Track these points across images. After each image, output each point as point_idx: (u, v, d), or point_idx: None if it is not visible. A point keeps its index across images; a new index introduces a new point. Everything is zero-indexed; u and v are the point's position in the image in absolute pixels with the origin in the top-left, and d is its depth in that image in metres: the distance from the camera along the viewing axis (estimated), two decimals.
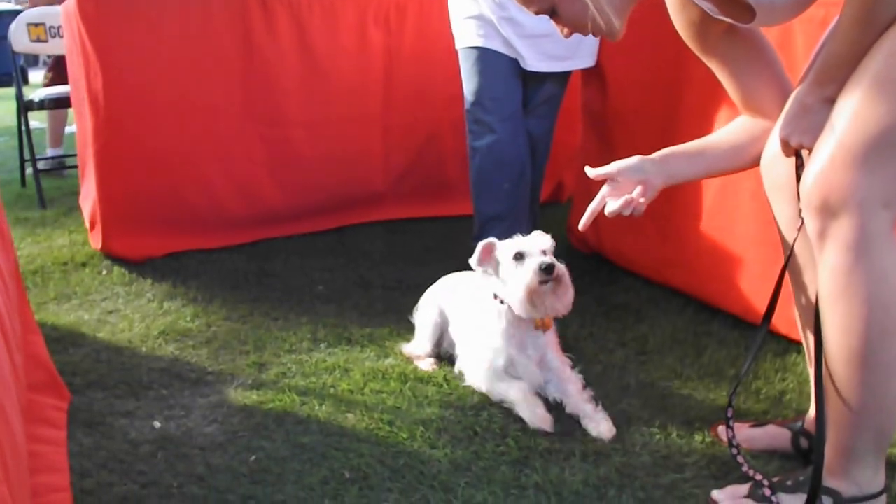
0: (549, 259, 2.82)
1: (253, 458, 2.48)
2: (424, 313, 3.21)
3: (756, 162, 2.43)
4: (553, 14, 2.28)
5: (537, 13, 2.30)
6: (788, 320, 3.17)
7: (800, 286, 2.39)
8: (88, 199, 4.25)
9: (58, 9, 4.84)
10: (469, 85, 3.83)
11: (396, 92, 4.76)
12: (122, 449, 2.53)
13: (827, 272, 2.03)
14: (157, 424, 2.67)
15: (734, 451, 2.43)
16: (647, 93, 3.82)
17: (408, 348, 3.20)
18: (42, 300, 3.71)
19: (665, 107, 3.70)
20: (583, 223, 2.53)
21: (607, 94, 4.03)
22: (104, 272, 4.02)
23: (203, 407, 2.79)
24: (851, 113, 1.97)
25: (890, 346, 2.02)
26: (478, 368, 2.93)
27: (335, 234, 4.63)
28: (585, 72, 4.08)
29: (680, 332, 3.39)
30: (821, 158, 2.00)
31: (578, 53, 3.93)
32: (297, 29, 4.39)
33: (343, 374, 3.02)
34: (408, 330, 3.29)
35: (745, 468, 2.41)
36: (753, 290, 3.37)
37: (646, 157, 2.52)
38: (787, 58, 3.11)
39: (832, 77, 2.08)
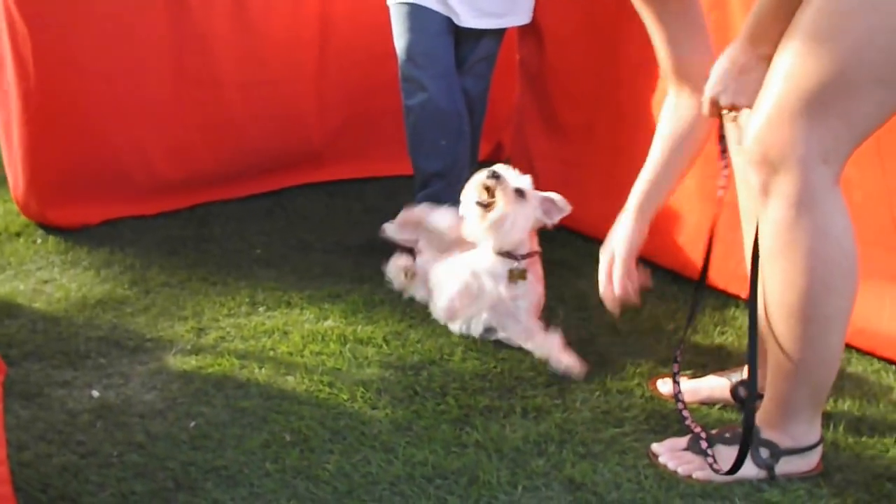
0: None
1: (193, 423, 2.48)
2: None
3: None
4: None
5: None
6: (727, 274, 3.21)
7: (748, 233, 2.41)
8: (15, 168, 4.16)
9: None
10: (400, 42, 3.80)
11: (330, 50, 4.70)
12: (61, 419, 2.50)
13: (769, 227, 2.06)
14: (95, 394, 2.64)
15: (680, 405, 2.47)
16: (584, 49, 3.83)
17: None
18: None
19: (603, 63, 3.71)
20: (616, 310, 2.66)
21: (544, 52, 4.03)
22: (39, 241, 3.95)
23: (142, 374, 2.77)
24: (786, 70, 1.99)
25: (829, 300, 2.06)
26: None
27: (273, 196, 4.59)
28: (521, 29, 4.07)
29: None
30: (760, 115, 2.03)
31: (514, 10, 3.91)
32: None
33: (282, 336, 3.01)
34: (347, 291, 3.29)
35: (688, 422, 2.44)
36: (691, 245, 3.40)
37: (633, 234, 2.67)
38: (722, 16, 3.14)
39: (764, 34, 2.10)
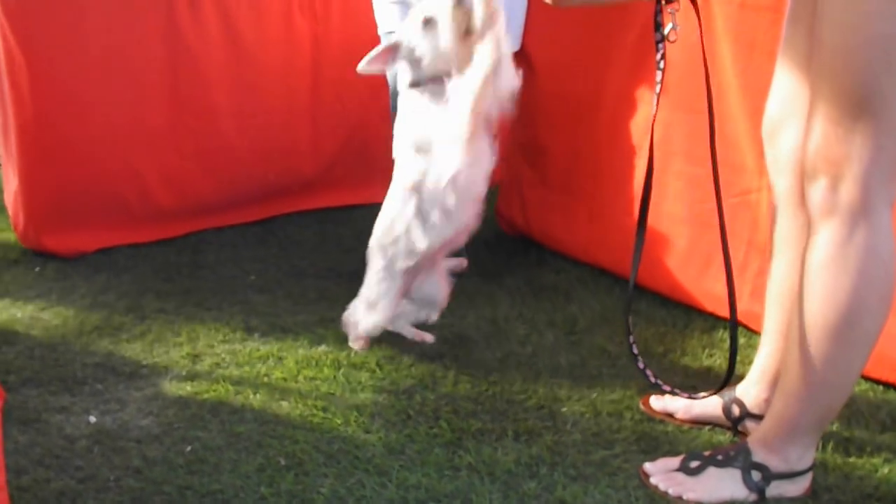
0: None
1: (189, 448, 2.50)
2: None
3: None
4: None
5: None
6: (715, 297, 3.25)
7: (779, 260, 2.43)
8: (13, 196, 4.20)
9: None
10: (391, 72, 3.84)
11: (324, 79, 4.76)
12: (58, 445, 2.53)
13: (820, 242, 2.07)
14: (92, 419, 2.67)
15: (641, 365, 2.52)
16: (570, 77, 3.87)
17: None
18: None
19: (588, 91, 3.75)
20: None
21: (532, 79, 4.06)
22: (36, 269, 3.99)
23: (138, 400, 2.79)
24: (826, 89, 2.01)
25: (865, 321, 2.06)
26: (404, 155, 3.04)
27: (266, 224, 4.63)
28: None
29: (609, 311, 3.45)
30: (816, 133, 2.04)
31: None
32: (223, 19, 4.37)
33: (277, 362, 3.04)
34: (340, 316, 3.32)
35: (652, 379, 2.50)
36: (680, 270, 3.45)
37: None
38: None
39: None
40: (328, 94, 4.78)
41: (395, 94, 3.78)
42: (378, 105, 4.35)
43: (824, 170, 2.03)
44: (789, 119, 2.29)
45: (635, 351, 2.63)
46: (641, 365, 2.63)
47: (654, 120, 2.54)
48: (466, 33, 2.76)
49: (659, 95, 2.51)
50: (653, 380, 2.64)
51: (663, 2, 2.32)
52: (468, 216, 2.99)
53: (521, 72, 2.88)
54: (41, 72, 3.92)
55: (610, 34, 3.13)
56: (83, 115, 4.08)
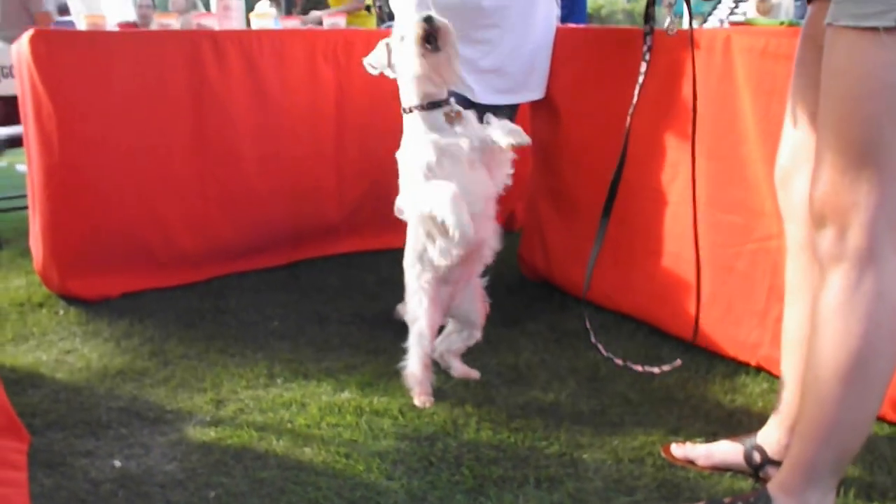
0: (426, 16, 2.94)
1: (213, 494, 2.51)
2: None
3: None
4: None
5: None
6: (737, 342, 3.25)
7: (794, 307, 2.44)
8: (39, 240, 4.25)
9: (9, 48, 4.85)
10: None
11: (348, 125, 4.81)
12: (83, 489, 2.55)
13: (829, 288, 2.09)
14: (117, 463, 2.69)
15: (593, 339, 2.57)
16: (594, 124, 3.90)
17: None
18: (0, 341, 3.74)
19: (613, 138, 3.77)
20: None
21: (556, 126, 4.10)
22: (61, 312, 4.03)
23: (162, 445, 2.81)
24: (833, 137, 2.03)
25: (877, 363, 2.07)
26: (407, 181, 3.13)
27: (289, 269, 4.66)
28: (534, 104, 4.15)
29: (631, 356, 3.44)
30: (822, 180, 2.06)
31: (528, 86, 3.99)
32: (247, 66, 4.44)
33: (300, 408, 3.05)
34: (363, 363, 3.33)
35: (604, 353, 2.54)
36: (702, 314, 3.44)
37: None
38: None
39: None
40: (352, 141, 4.83)
41: None
42: None
43: (832, 217, 2.05)
44: (800, 167, 2.30)
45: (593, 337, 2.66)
46: (594, 340, 2.65)
47: (632, 110, 2.56)
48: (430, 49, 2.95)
49: (642, 87, 2.54)
50: (605, 353, 2.67)
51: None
52: (477, 233, 2.98)
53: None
54: (69, 119, 3.99)
55: (631, 82, 3.15)
56: (109, 161, 4.14)
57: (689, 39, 2.60)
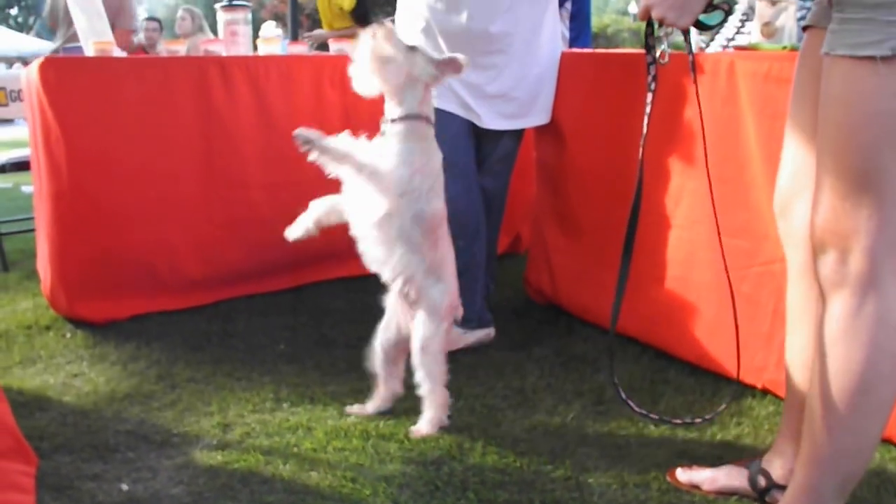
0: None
1: None
2: None
3: None
4: None
5: None
6: (743, 365, 3.25)
7: (796, 332, 2.45)
8: (47, 263, 4.28)
9: (17, 72, 4.89)
10: None
11: None
12: None
13: (832, 314, 2.11)
14: (124, 487, 2.69)
15: (623, 396, 2.57)
16: (599, 149, 3.92)
17: None
18: (7, 364, 3.74)
19: (618, 162, 3.79)
20: None
21: (561, 150, 4.11)
22: (68, 335, 4.05)
23: (169, 468, 2.82)
24: (831, 165, 2.05)
25: (880, 388, 2.09)
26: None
27: (296, 292, 4.69)
28: (539, 128, 4.16)
29: (636, 380, 3.46)
30: (823, 207, 2.08)
31: (533, 110, 4.01)
32: (254, 92, 4.47)
33: (306, 432, 3.05)
34: (369, 387, 3.33)
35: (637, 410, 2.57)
36: (708, 338, 3.45)
37: None
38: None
39: None
40: None
41: None
42: None
43: (833, 243, 2.07)
44: (801, 192, 2.32)
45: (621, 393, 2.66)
46: (624, 397, 2.66)
47: (643, 142, 2.57)
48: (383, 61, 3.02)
49: (650, 116, 2.56)
50: (638, 410, 2.68)
51: (655, 25, 2.37)
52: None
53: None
54: (77, 144, 4.03)
55: (636, 106, 3.15)
56: (117, 185, 4.17)
57: (691, 66, 2.61)
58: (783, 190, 2.40)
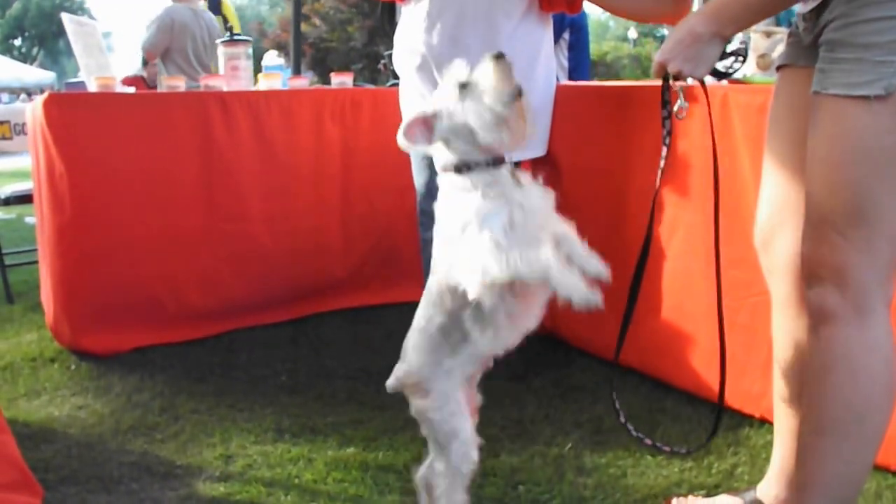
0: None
1: None
2: None
3: None
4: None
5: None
6: (741, 395, 3.29)
7: (783, 363, 2.49)
8: (51, 296, 4.32)
9: (22, 106, 4.93)
10: (419, 178, 3.94)
11: (354, 183, 4.88)
12: None
13: (822, 343, 2.14)
14: None
15: (634, 433, 2.61)
16: (595, 181, 3.95)
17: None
18: (12, 396, 3.77)
19: (612, 194, 3.83)
20: None
21: (557, 183, 4.12)
22: (73, 367, 4.09)
23: (173, 500, 2.85)
24: (823, 199, 2.09)
25: (872, 416, 2.12)
26: (477, 253, 2.28)
27: (297, 324, 4.71)
28: (535, 160, 4.20)
29: (634, 410, 3.48)
30: (815, 240, 2.12)
31: (529, 144, 4.03)
32: (255, 127, 4.52)
33: (307, 463, 3.09)
34: (369, 418, 3.37)
35: (648, 441, 2.70)
36: (705, 367, 3.48)
37: None
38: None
39: (733, 18, 2.22)
40: (358, 199, 4.91)
41: (423, 197, 3.86)
42: (406, 208, 4.43)
43: (823, 274, 2.11)
44: (782, 226, 2.36)
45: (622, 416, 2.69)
46: (635, 433, 2.68)
47: (655, 195, 2.61)
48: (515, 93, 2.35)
49: (663, 171, 2.59)
50: (648, 442, 2.70)
51: (671, 79, 2.40)
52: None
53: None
54: (80, 179, 4.08)
55: (631, 139, 3.20)
56: (120, 219, 4.22)
57: (708, 114, 2.64)
58: (764, 225, 2.44)
